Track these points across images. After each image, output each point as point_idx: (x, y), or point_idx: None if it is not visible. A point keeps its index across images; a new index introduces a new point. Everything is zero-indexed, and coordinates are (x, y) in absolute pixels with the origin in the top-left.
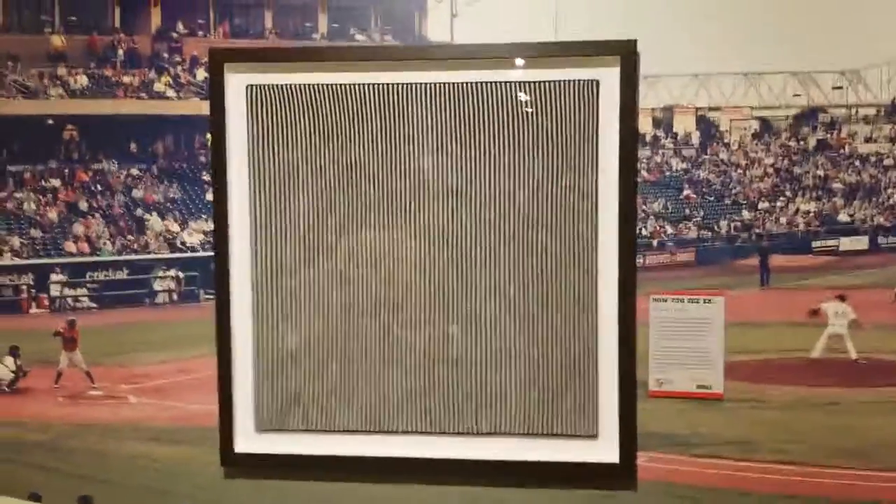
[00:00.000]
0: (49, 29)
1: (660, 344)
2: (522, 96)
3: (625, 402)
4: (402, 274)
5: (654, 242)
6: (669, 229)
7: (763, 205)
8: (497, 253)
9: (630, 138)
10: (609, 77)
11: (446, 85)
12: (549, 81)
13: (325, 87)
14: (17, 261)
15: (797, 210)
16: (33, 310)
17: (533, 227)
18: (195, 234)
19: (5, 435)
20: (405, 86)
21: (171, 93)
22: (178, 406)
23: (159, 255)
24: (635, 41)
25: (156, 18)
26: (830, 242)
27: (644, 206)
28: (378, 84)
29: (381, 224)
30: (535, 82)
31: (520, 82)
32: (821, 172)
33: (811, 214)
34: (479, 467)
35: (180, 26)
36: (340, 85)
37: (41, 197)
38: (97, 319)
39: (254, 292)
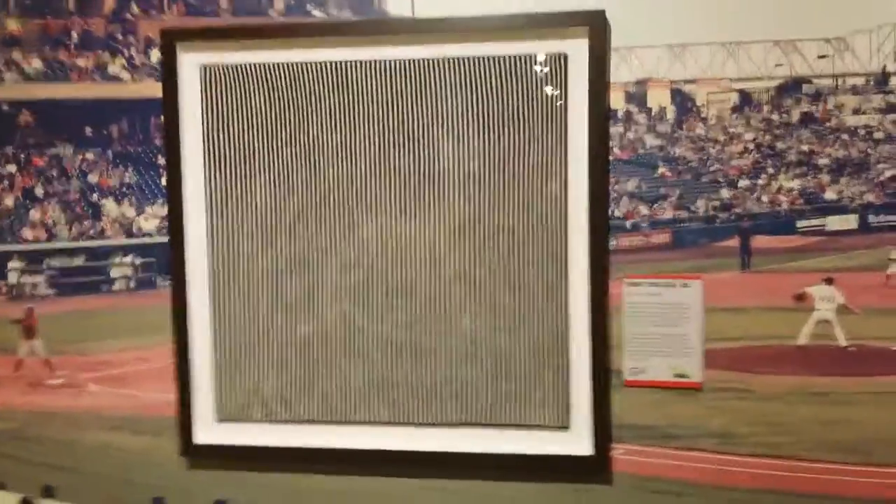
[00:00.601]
0: (4, 12)
1: (634, 330)
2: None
3: (598, 391)
4: (363, 259)
5: (628, 224)
6: (644, 210)
7: (743, 182)
8: (462, 236)
9: (601, 115)
10: (577, 50)
11: (407, 61)
12: (514, 56)
13: (281, 65)
14: None
15: (780, 188)
16: None
17: (499, 209)
18: (151, 220)
19: None
20: (364, 63)
21: (125, 75)
22: (138, 395)
23: (115, 242)
24: (604, 11)
25: None
26: (816, 222)
27: (616, 186)
28: (337, 62)
29: (340, 206)
30: (498, 57)
31: (486, 57)
32: (805, 147)
33: (795, 192)
34: (447, 459)
35: (134, 7)
36: (297, 63)
37: None
38: (56, 307)
39: (211, 278)
